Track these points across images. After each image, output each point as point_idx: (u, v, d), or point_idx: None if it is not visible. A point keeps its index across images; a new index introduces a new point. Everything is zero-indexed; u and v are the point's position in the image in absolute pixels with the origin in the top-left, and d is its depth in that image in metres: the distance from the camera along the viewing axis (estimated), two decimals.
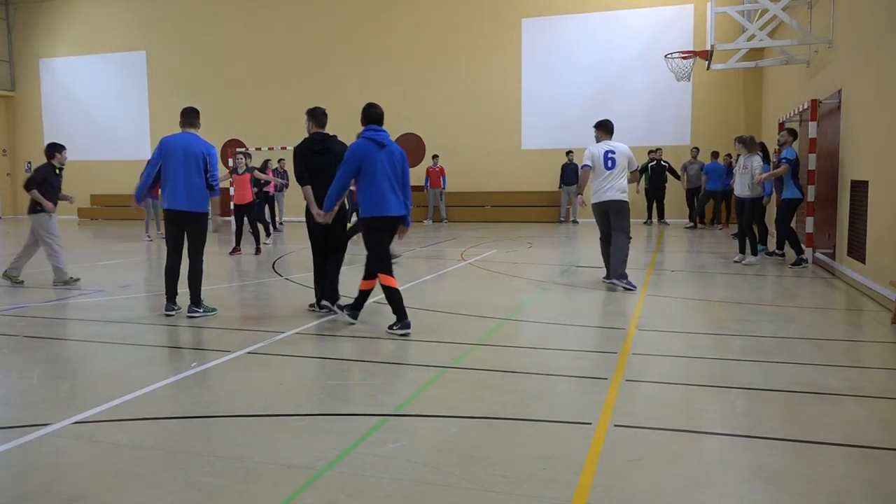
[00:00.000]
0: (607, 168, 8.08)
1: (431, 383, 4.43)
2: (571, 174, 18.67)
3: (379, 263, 5.90)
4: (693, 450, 3.38)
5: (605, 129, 8.36)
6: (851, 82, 9.08)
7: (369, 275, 6.02)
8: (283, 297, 8.15)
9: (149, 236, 15.02)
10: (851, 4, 9.26)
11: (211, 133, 22.48)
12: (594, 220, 8.59)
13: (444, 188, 19.96)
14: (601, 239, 8.44)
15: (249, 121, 22.45)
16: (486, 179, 20.54)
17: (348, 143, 6.17)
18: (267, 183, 15.91)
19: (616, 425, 3.62)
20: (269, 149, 20.85)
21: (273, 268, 10.36)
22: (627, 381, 4.42)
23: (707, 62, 13.60)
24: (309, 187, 6.35)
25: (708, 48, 13.01)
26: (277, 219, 19.44)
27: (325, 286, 6.57)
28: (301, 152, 6.43)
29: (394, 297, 5.83)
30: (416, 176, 21.00)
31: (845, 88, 9.32)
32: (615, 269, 8.04)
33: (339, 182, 5.90)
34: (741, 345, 5.46)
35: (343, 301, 6.50)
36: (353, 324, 6.14)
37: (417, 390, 4.27)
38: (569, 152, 18.85)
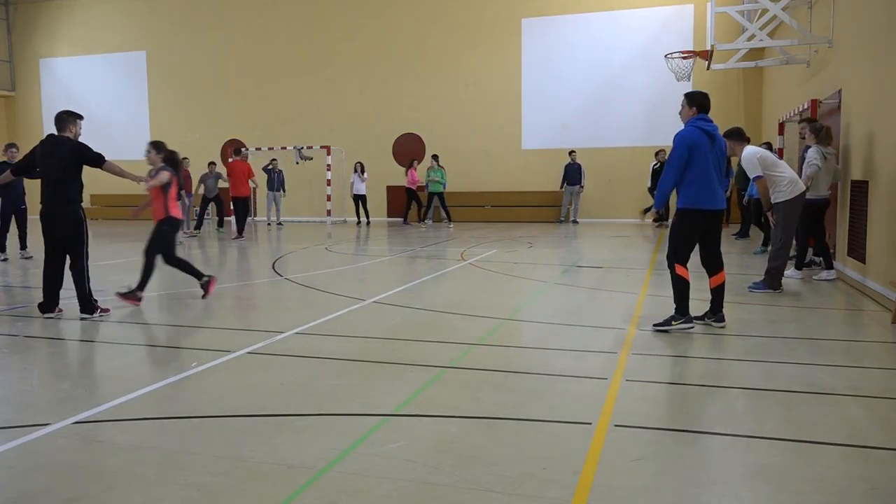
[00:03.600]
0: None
1: (431, 383, 4.43)
2: (574, 174, 18.67)
3: (677, 255, 5.85)
4: (693, 450, 3.38)
5: (740, 137, 7.73)
6: (851, 82, 9.08)
7: (713, 271, 5.97)
8: (283, 297, 8.15)
9: (185, 232, 15.70)
10: (851, 4, 9.26)
11: (211, 133, 22.62)
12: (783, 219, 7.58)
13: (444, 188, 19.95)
14: (791, 239, 7.74)
15: (249, 121, 22.47)
16: (486, 179, 20.54)
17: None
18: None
19: (616, 425, 3.62)
20: (270, 149, 20.87)
21: (273, 268, 10.36)
22: (627, 381, 4.41)
23: (707, 62, 13.60)
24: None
25: (708, 48, 13.02)
26: (275, 219, 19.47)
27: (55, 290, 6.57)
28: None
29: (682, 289, 5.77)
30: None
31: (845, 88, 9.32)
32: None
33: (674, 173, 5.67)
34: (741, 345, 5.46)
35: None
36: (723, 326, 5.93)
37: (417, 390, 4.27)
38: (571, 152, 18.81)
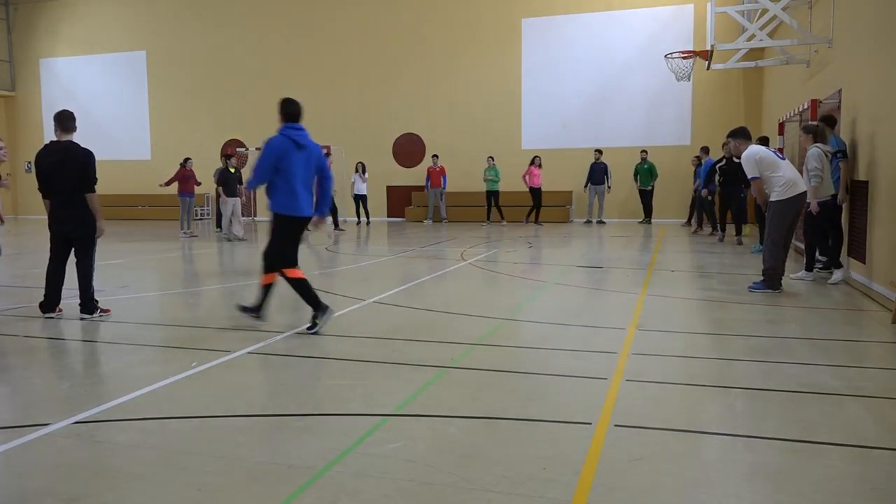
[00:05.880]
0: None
1: (431, 383, 4.43)
2: (599, 174, 18.64)
3: (281, 260, 5.91)
4: (693, 450, 3.38)
5: (745, 136, 8.00)
6: (851, 82, 9.08)
7: (269, 269, 6.02)
8: (282, 297, 8.14)
9: (185, 232, 16.13)
10: (851, 4, 9.26)
11: (211, 133, 22.63)
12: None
13: (444, 188, 19.94)
14: (782, 239, 7.55)
15: (249, 121, 22.46)
16: None
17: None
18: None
19: (616, 425, 3.62)
20: None
21: None
22: (627, 381, 4.41)
23: (707, 62, 13.60)
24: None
25: (708, 48, 13.01)
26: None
27: (58, 289, 6.60)
28: (36, 161, 6.49)
29: (303, 287, 5.85)
30: (417, 176, 21.04)
31: (845, 88, 9.32)
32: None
33: (261, 175, 5.86)
34: (741, 345, 5.46)
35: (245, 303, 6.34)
36: (261, 321, 6.08)
37: (417, 390, 4.27)
38: (597, 151, 18.72)
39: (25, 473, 3.15)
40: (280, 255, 5.91)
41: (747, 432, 3.53)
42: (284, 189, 5.79)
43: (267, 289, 6.09)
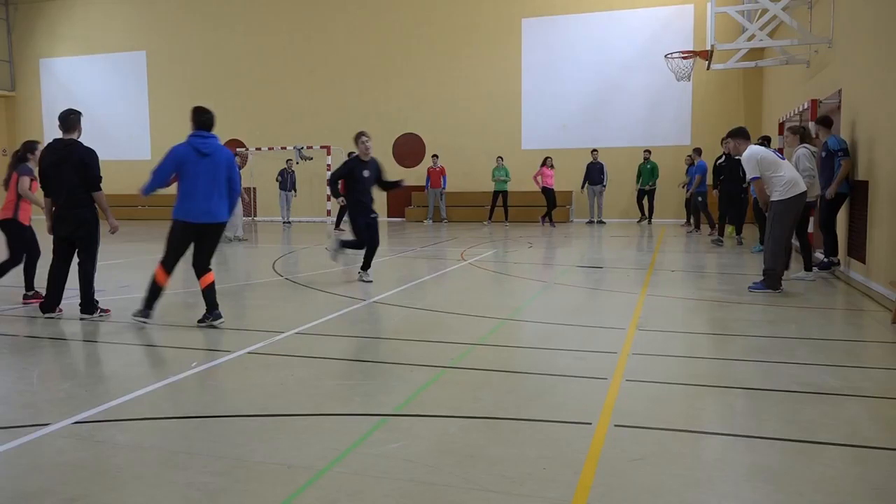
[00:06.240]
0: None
1: (431, 383, 4.42)
2: (596, 173, 18.62)
3: (166, 258, 6.11)
4: (693, 450, 3.38)
5: (744, 136, 8.10)
6: (851, 82, 9.08)
7: (201, 273, 6.19)
8: (283, 297, 8.14)
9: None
10: (851, 4, 9.26)
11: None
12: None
13: (444, 188, 19.92)
14: (784, 239, 7.52)
15: (250, 121, 22.47)
16: (486, 180, 20.53)
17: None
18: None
19: (616, 425, 3.62)
20: (269, 149, 20.87)
21: (273, 267, 10.37)
22: (627, 381, 4.41)
23: (707, 62, 13.60)
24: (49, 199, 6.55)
25: (708, 48, 13.01)
26: (284, 218, 19.50)
27: (60, 290, 6.63)
28: (40, 162, 6.57)
29: (151, 287, 6.08)
30: (417, 176, 21.03)
31: (845, 88, 9.32)
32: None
33: (158, 180, 6.09)
34: (741, 345, 5.46)
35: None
36: (222, 321, 6.16)
37: (417, 390, 4.27)
38: (593, 151, 18.72)
39: (25, 473, 3.15)
40: (165, 254, 6.11)
41: (747, 432, 3.53)
42: (181, 194, 6.03)
43: (210, 290, 6.16)
